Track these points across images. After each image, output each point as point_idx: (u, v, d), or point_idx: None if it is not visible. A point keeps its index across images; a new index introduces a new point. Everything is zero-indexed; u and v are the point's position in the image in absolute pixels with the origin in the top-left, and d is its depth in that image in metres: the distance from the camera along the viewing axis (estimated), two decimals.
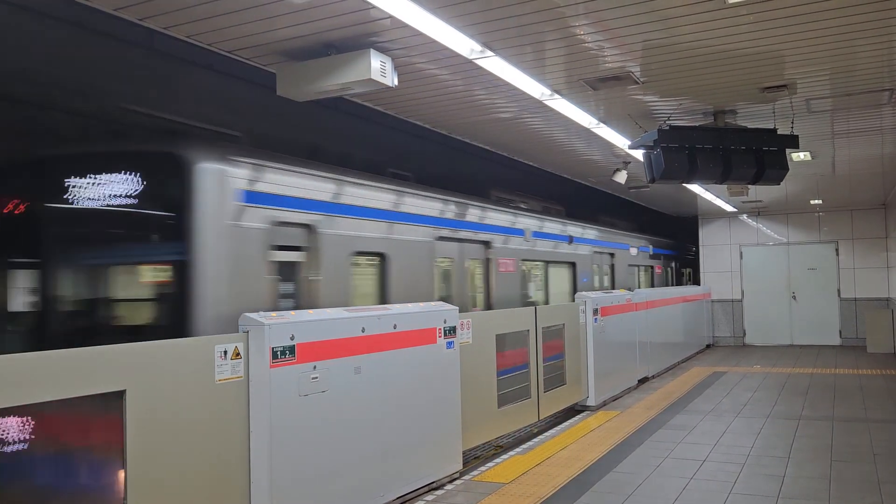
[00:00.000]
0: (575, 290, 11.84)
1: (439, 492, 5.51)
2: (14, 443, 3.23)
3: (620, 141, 8.56)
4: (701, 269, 17.93)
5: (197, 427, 3.83)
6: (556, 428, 7.79)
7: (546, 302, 10.85)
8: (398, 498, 5.18)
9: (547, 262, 11.22)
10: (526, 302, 10.22)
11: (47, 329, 5.32)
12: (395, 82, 5.20)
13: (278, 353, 4.20)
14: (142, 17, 4.60)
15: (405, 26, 4.70)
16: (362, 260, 6.69)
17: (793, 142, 7.29)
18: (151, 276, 5.25)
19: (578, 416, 8.43)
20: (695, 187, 12.51)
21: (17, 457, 3.28)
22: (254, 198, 5.35)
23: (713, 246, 17.76)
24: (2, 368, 3.05)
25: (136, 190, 5.08)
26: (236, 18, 4.63)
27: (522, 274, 10.24)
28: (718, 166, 7.08)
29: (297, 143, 6.89)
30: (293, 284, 5.80)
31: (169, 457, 3.66)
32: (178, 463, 3.71)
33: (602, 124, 7.80)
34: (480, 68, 5.65)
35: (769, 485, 5.57)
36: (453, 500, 5.30)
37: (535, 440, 7.20)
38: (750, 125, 7.59)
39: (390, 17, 4.55)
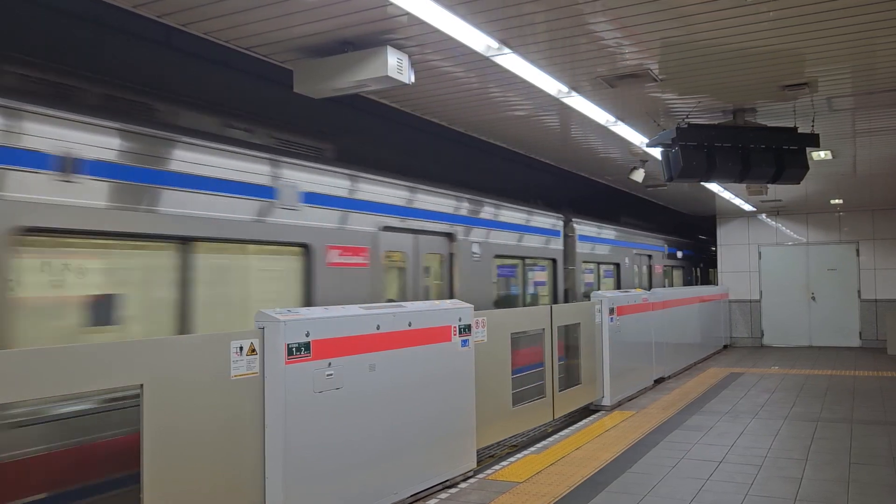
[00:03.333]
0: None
1: (453, 490, 5.51)
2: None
3: (638, 139, 8.50)
4: (719, 269, 17.78)
5: (212, 422, 3.85)
6: (570, 427, 7.76)
7: None
8: (412, 495, 5.19)
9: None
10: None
11: None
12: (412, 79, 5.20)
13: (293, 349, 4.21)
14: (159, 15, 4.63)
15: (422, 23, 4.70)
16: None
17: (813, 140, 7.20)
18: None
19: (593, 416, 8.40)
20: (713, 186, 12.40)
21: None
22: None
23: (731, 245, 17.60)
24: (22, 361, 3.08)
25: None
26: (253, 15, 4.65)
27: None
28: (737, 165, 7.00)
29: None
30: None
31: (185, 450, 3.69)
32: (193, 457, 3.74)
33: (619, 122, 7.75)
34: (497, 65, 5.63)
35: (786, 487, 5.51)
36: (467, 499, 5.30)
37: (550, 439, 7.17)
38: (770, 124, 7.50)
39: (407, 13, 4.55)
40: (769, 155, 7.04)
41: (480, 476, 5.86)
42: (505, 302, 9.59)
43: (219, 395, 3.90)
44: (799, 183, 7.43)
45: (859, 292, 16.29)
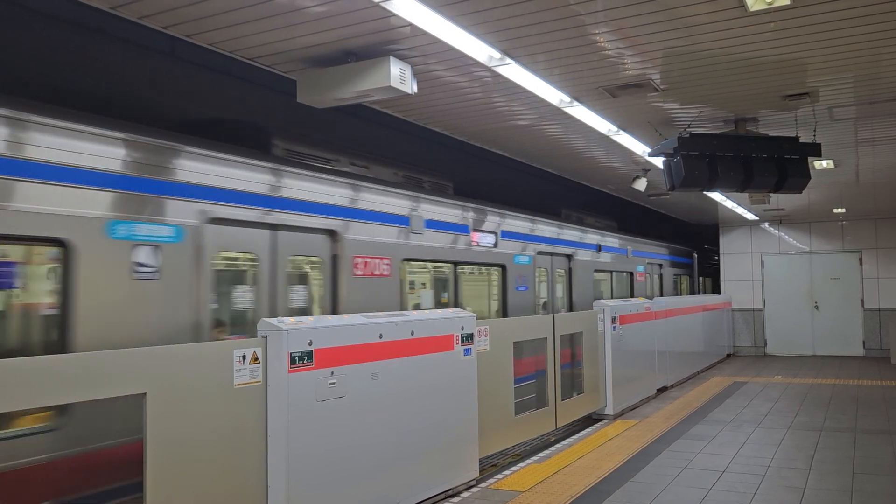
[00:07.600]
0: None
1: (455, 499, 5.50)
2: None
3: (640, 148, 8.52)
4: (722, 278, 17.77)
5: (215, 430, 3.86)
6: (573, 437, 7.75)
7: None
8: None
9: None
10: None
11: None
12: (415, 89, 5.23)
13: (296, 358, 4.22)
14: (165, 26, 4.67)
15: (425, 34, 4.73)
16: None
17: (815, 150, 7.21)
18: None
19: (596, 425, 8.38)
20: (715, 195, 12.41)
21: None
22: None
23: (734, 254, 17.59)
24: (26, 370, 3.10)
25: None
26: (258, 27, 4.69)
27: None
28: (739, 174, 7.02)
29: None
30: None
31: (188, 459, 3.70)
32: (196, 465, 3.74)
33: (621, 131, 7.78)
34: (499, 75, 5.66)
35: (790, 497, 5.49)
36: None
37: (552, 448, 7.16)
38: (771, 133, 7.52)
39: (410, 24, 4.58)
40: (771, 164, 7.06)
41: (483, 485, 5.85)
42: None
43: (222, 403, 3.91)
44: (801, 192, 7.44)
45: (862, 301, 16.26)
